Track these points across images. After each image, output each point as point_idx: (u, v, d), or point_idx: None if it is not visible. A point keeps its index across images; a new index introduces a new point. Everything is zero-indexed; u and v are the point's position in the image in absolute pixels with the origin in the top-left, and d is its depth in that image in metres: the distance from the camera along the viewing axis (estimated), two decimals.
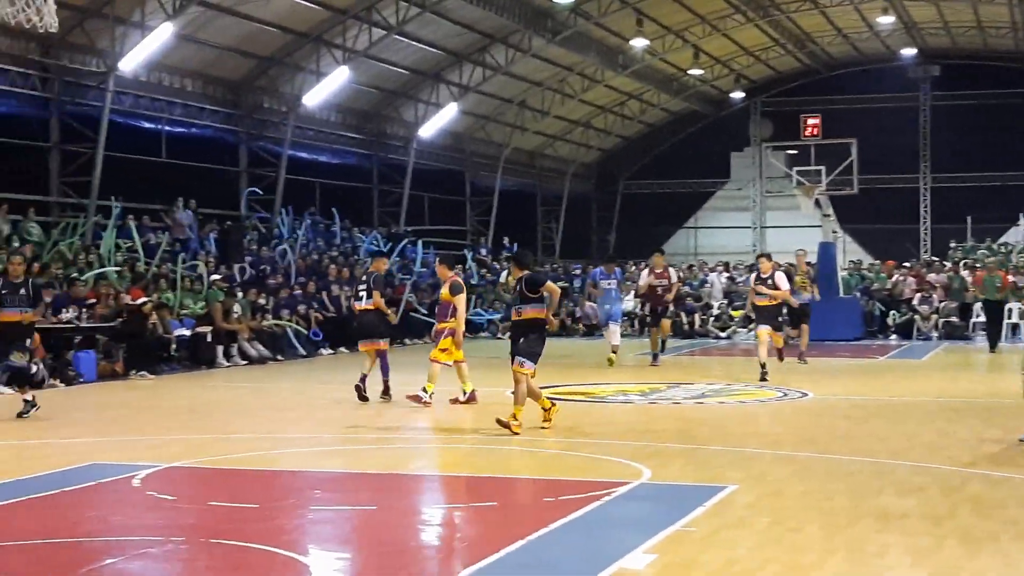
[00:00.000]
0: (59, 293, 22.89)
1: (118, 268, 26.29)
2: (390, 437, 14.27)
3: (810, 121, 44.71)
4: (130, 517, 9.64)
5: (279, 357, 26.69)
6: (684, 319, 36.07)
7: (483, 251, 43.41)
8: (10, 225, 26.31)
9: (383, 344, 17.65)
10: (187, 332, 25.13)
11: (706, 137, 53.64)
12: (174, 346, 24.50)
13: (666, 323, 24.92)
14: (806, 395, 18.62)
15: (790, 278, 23.66)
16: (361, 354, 18.02)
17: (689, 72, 46.82)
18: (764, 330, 20.78)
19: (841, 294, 33.65)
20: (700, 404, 17.53)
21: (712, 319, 36.23)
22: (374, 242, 37.18)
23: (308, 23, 33.46)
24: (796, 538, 8.57)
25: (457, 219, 46.19)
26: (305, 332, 28.16)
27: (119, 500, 10.44)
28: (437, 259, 17.70)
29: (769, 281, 21.01)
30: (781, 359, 22.27)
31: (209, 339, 25.08)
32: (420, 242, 38.85)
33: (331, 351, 28.77)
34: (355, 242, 36.95)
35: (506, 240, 44.49)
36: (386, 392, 17.62)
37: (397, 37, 35.41)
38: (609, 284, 24.67)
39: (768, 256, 21.98)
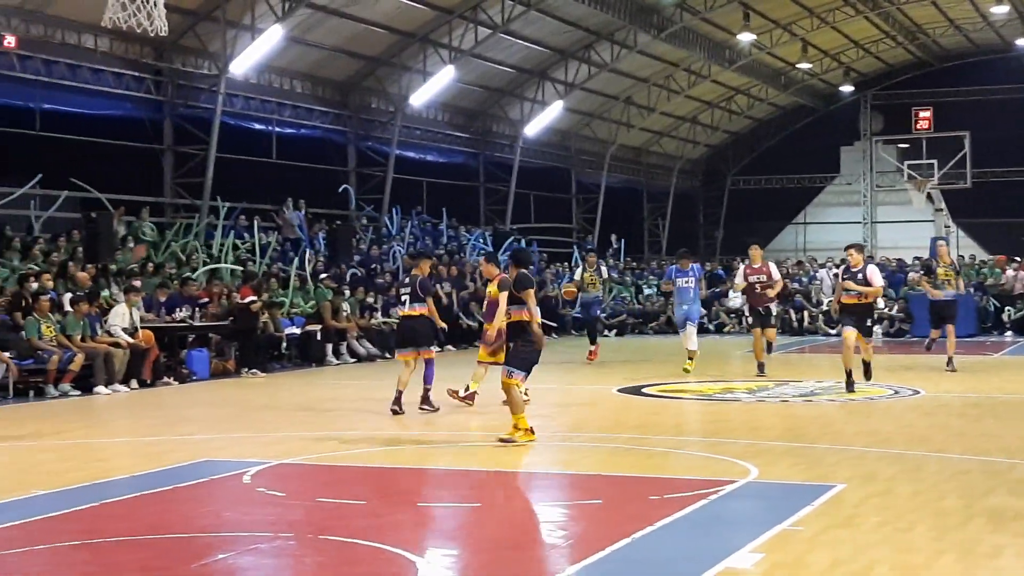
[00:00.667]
0: (173, 292, 23.33)
1: (234, 266, 26.76)
2: (496, 434, 14.31)
3: (922, 114, 44.03)
4: (241, 513, 9.80)
5: (387, 355, 26.93)
6: (793, 316, 35.69)
7: (589, 247, 43.32)
8: (125, 226, 26.88)
9: (429, 352, 16.17)
10: (297, 330, 25.46)
11: (815, 131, 52.94)
12: (285, 344, 24.84)
13: (771, 331, 21.68)
14: (918, 392, 18.31)
15: (930, 271, 22.50)
16: (399, 363, 16.34)
17: (797, 66, 46.25)
18: (850, 333, 18.04)
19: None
20: (809, 402, 17.32)
21: (821, 316, 35.76)
22: (480, 240, 37.34)
23: (414, 23, 33.69)
24: (906, 538, 8.43)
25: (563, 217, 46.19)
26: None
27: (230, 496, 10.61)
28: (483, 257, 16.07)
29: (860, 276, 18.10)
30: (869, 376, 18.76)
31: (319, 337, 25.40)
32: (524, 240, 38.91)
33: (438, 349, 28.90)
34: (460, 240, 37.13)
35: (613, 237, 44.39)
36: (425, 401, 16.13)
37: (502, 36, 35.50)
38: (686, 282, 22.35)
39: (859, 247, 18.90)
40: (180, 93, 29.75)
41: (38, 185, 25.98)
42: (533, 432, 13.07)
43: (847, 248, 18.64)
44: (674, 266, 22.86)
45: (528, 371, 13.08)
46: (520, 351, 12.99)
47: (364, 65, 34.76)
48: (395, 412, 15.69)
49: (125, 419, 16.85)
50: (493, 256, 15.58)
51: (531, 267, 15.68)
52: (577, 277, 25.32)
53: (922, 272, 25.00)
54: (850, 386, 17.85)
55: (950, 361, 21.90)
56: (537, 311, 13.23)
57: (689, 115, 49.51)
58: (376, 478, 11.44)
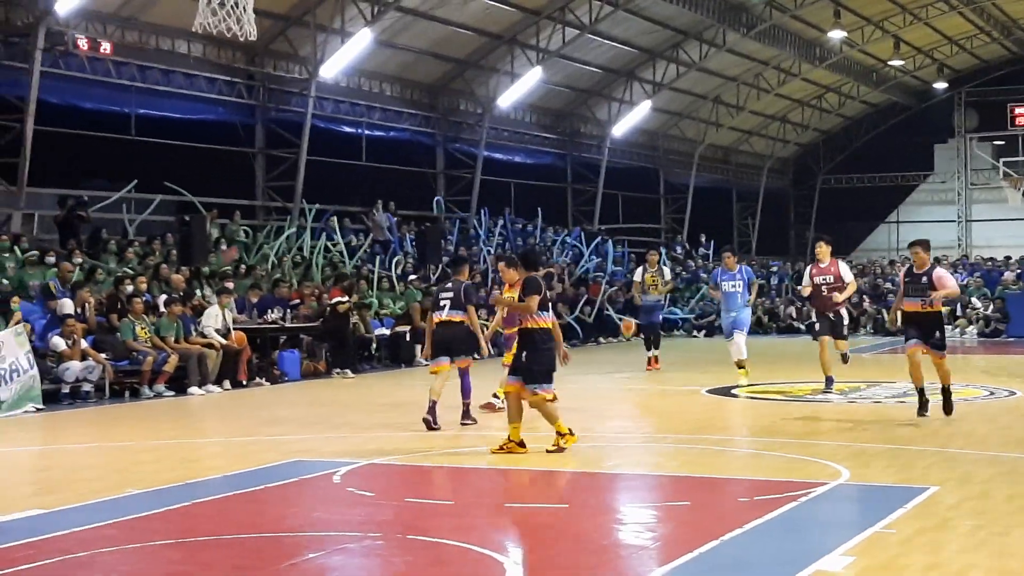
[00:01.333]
0: (265, 294, 23.58)
1: (326, 264, 27.03)
2: (583, 436, 14.27)
3: (1018, 111, 43.23)
4: (330, 512, 9.86)
5: (476, 356, 26.94)
6: (886, 316, 35.16)
7: (678, 249, 43.12)
8: (218, 229, 27.23)
9: (466, 361, 15.30)
10: (387, 331, 25.61)
11: (908, 129, 52.17)
12: (375, 345, 24.99)
13: (843, 342, 18.07)
14: (1014, 393, 17.95)
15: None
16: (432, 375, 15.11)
17: (889, 63, 45.62)
18: (914, 348, 14.58)
19: None
20: (902, 403, 17.06)
21: None
22: (577, 241, 37.31)
23: (502, 25, 33.75)
24: (1002, 542, 8.25)
25: (651, 217, 46.00)
26: (501, 331, 28.35)
27: (320, 496, 10.69)
28: (502, 261, 14.60)
29: (924, 279, 14.65)
30: (949, 410, 14.91)
31: (408, 338, 25.52)
32: (611, 241, 38.83)
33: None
34: (547, 241, 37.10)
35: (703, 237, 44.12)
36: (467, 416, 15.19)
37: (590, 36, 35.44)
38: (732, 286, 19.92)
39: (924, 245, 15.10)
40: (272, 97, 30.11)
41: (133, 189, 26.42)
42: (573, 432, 12.61)
43: (910, 246, 15.27)
44: (719, 268, 20.79)
45: (551, 381, 12.34)
46: (538, 360, 12.29)
47: (452, 67, 34.89)
48: (428, 425, 14.47)
49: (218, 420, 17.05)
50: (512, 259, 14.38)
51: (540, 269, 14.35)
52: (637, 278, 23.21)
53: None
54: (923, 407, 14.89)
55: None
56: (550, 316, 12.55)
57: (779, 114, 49.06)
58: (464, 478, 11.45)
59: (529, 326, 12.39)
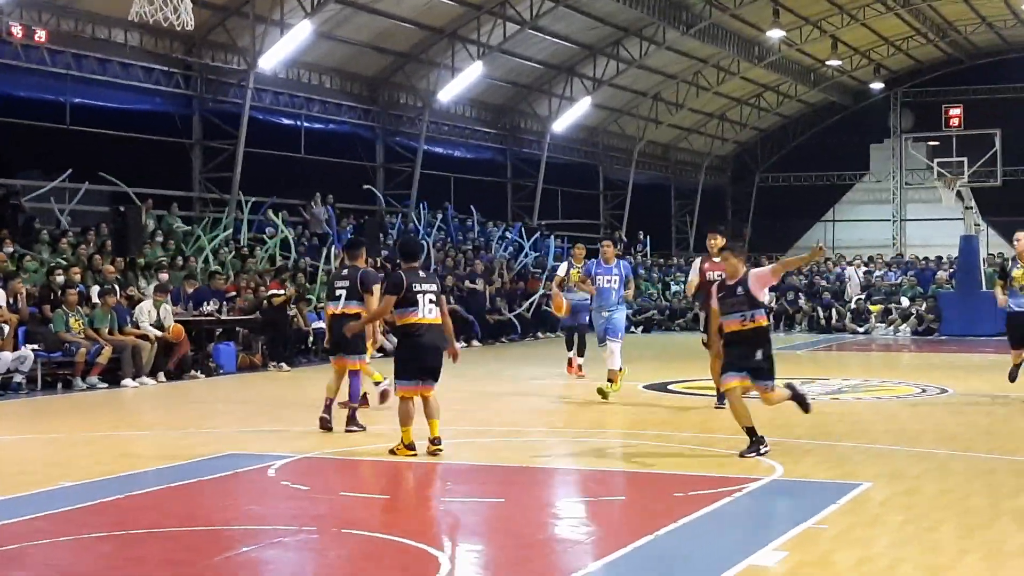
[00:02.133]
0: (201, 286, 23.41)
1: (264, 258, 26.87)
2: (521, 430, 14.31)
3: (952, 111, 43.71)
4: (265, 506, 9.83)
5: (378, 354, 26.92)
6: (821, 313, 35.58)
7: (618, 246, 43.24)
8: (155, 220, 26.99)
9: (359, 362, 14.06)
10: (324, 325, 25.47)
11: (844, 129, 52.72)
12: (312, 339, 24.88)
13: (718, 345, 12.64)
14: (946, 391, 18.20)
15: (1005, 273, 16.70)
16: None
17: (827, 63, 46.01)
18: (735, 382, 12.08)
19: (984, 288, 32.79)
20: (836, 400, 17.25)
21: (849, 314, 35.65)
22: (518, 236, 37.32)
23: (443, 19, 33.69)
24: (931, 537, 8.38)
25: (591, 213, 46.13)
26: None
27: (255, 490, 10.64)
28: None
29: (740, 291, 11.99)
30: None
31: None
32: (552, 236, 38.92)
33: (464, 344, 28.99)
34: (488, 236, 37.11)
35: (640, 234, 44.30)
36: (352, 421, 13.78)
37: (531, 31, 35.46)
38: (608, 281, 17.43)
39: (735, 249, 12.32)
40: (209, 88, 29.86)
41: (68, 179, 26.11)
42: (414, 449, 11.83)
43: (721, 251, 13.61)
44: (594, 260, 18.18)
45: (414, 379, 11.79)
46: (398, 357, 12.01)
47: (392, 61, 34.79)
48: (323, 424, 13.60)
49: (152, 412, 16.93)
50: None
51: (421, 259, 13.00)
52: (561, 273, 19.13)
53: (996, 274, 19.17)
54: (754, 446, 11.93)
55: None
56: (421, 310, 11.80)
57: (718, 112, 49.36)
58: (400, 473, 11.44)
59: (399, 322, 11.93)
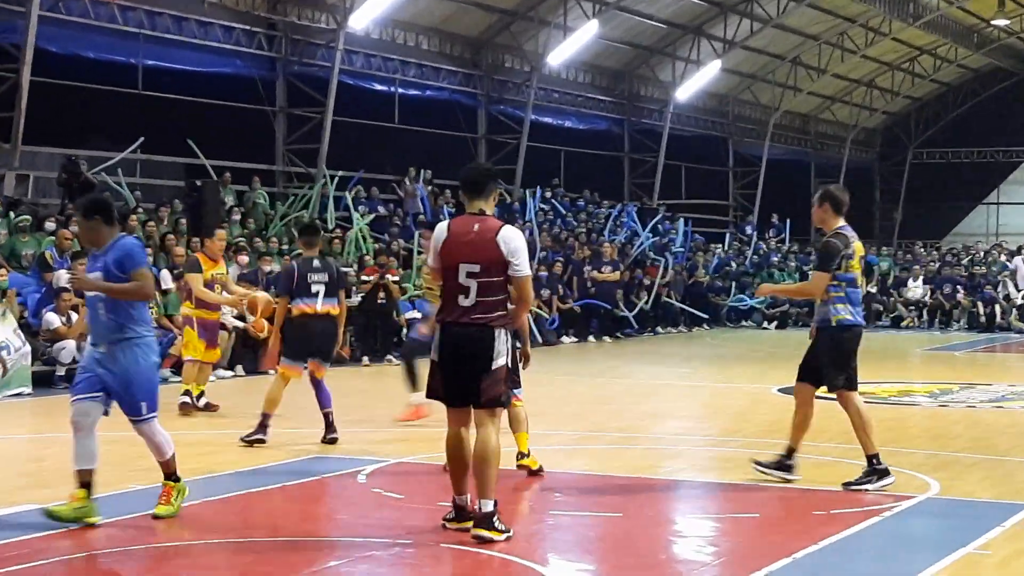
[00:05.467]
0: (280, 270, 23.63)
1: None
2: (640, 436, 14.30)
3: None
4: (355, 516, 9.94)
5: (517, 345, 26.99)
6: (982, 310, 35.01)
7: (748, 229, 42.99)
8: (234, 196, 27.33)
9: (324, 369, 13.71)
10: (418, 315, 25.61)
11: (1012, 98, 51.71)
12: (405, 330, 25.03)
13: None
14: None
15: None
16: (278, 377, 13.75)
17: (993, 22, 45.21)
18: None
19: None
20: (1000, 408, 16.98)
21: (1014, 310, 35.03)
22: (632, 219, 37.15)
23: None
24: None
25: (718, 192, 45.88)
26: (547, 317, 28.45)
27: (343, 497, 10.77)
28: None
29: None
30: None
31: None
32: (681, 220, 38.75)
33: (574, 339, 29.04)
34: (599, 217, 37.04)
35: (775, 217, 43.94)
36: (331, 429, 13.48)
37: None
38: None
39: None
40: (295, 49, 30.18)
41: (139, 149, 26.52)
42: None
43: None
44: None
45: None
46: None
47: (498, 19, 34.88)
48: (253, 442, 13.14)
49: (229, 409, 17.17)
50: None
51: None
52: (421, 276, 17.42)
53: None
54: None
55: None
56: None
57: (866, 78, 48.75)
58: (505, 482, 11.48)
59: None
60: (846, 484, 10.89)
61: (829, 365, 11.03)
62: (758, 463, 11.26)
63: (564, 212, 36.13)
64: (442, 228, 9.00)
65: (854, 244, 10.93)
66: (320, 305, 13.51)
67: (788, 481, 11.05)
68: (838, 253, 10.79)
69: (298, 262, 13.82)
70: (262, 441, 13.12)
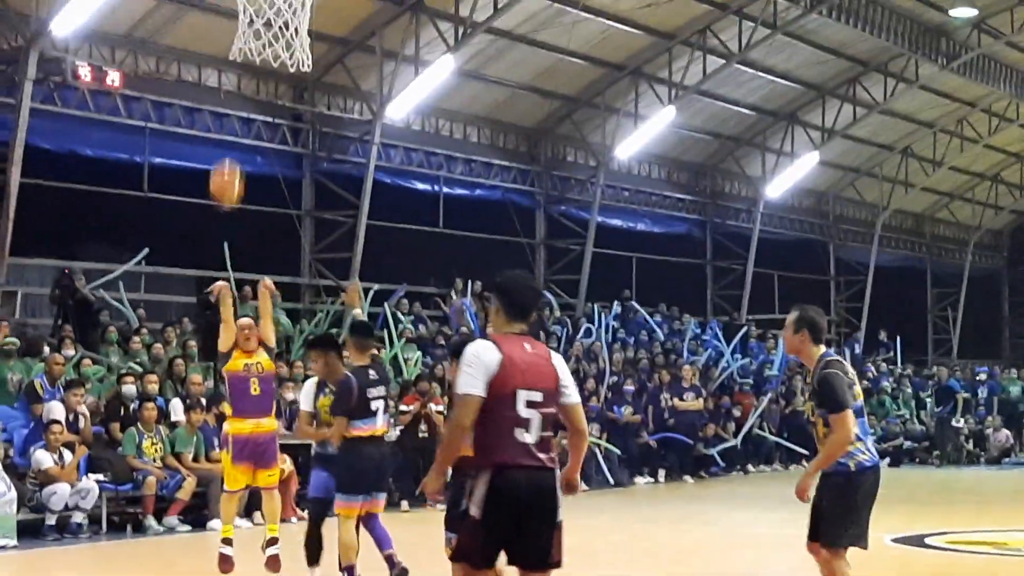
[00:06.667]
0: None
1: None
2: None
3: None
4: None
5: (586, 487, 26.86)
6: None
7: (856, 347, 42.73)
8: (254, 312, 27.36)
9: (382, 504, 13.53)
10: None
11: None
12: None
13: None
14: None
15: None
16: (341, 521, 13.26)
17: None
18: None
19: None
20: None
21: None
22: (716, 336, 36.93)
23: (624, 52, 33.99)
24: None
25: (818, 304, 45.51)
26: (618, 452, 28.28)
27: None
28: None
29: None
30: None
31: None
32: (781, 339, 38.48)
33: (649, 479, 28.86)
34: (683, 335, 36.94)
35: (882, 334, 43.64)
36: (395, 566, 13.38)
37: (739, 67, 35.55)
38: None
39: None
40: (324, 143, 30.46)
41: (144, 260, 26.58)
42: None
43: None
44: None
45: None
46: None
47: (558, 106, 35.16)
48: None
49: (246, 566, 17.08)
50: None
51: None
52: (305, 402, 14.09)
53: None
54: None
55: None
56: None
57: (990, 171, 48.69)
58: None
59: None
60: None
61: (839, 516, 10.76)
62: None
63: (637, 330, 36.06)
64: (489, 347, 8.47)
65: (850, 370, 10.78)
66: (379, 424, 13.10)
67: None
68: (844, 384, 10.53)
69: (355, 373, 13.05)
70: None
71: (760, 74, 36.84)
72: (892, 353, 42.95)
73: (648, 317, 36.74)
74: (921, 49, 36.92)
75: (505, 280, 8.91)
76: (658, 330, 36.41)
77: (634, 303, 37.31)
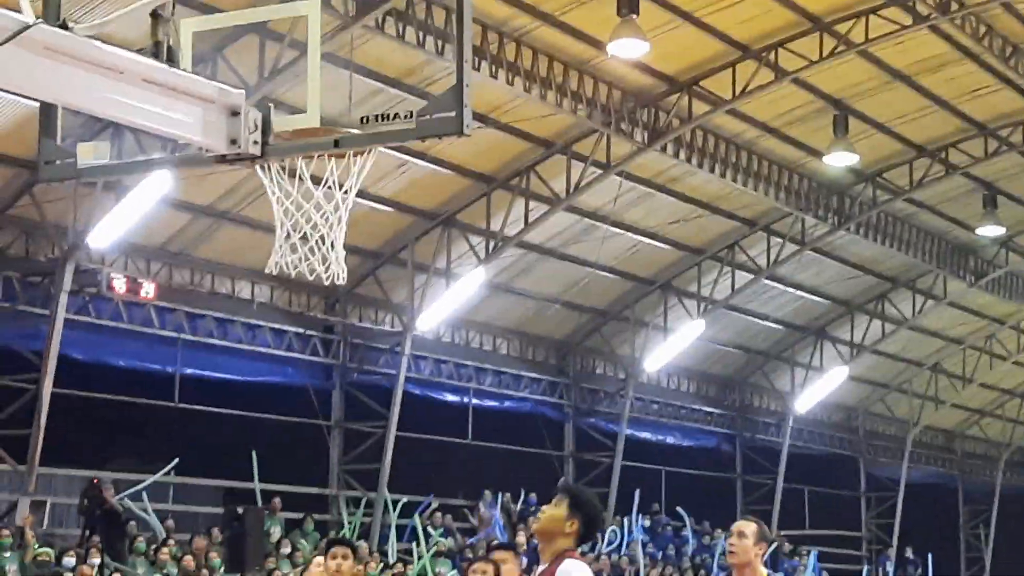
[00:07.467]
0: None
1: None
2: None
3: None
4: None
5: None
6: None
7: (888, 565, 42.28)
8: (282, 526, 27.22)
9: None
10: None
11: None
12: None
13: None
14: None
15: None
16: None
17: None
18: None
19: None
20: None
21: None
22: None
23: (653, 267, 34.26)
24: None
25: (849, 521, 45.31)
26: None
27: None
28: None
29: None
30: None
31: None
32: (813, 553, 38.19)
33: None
34: (713, 550, 36.68)
35: (909, 551, 43.20)
36: None
37: (768, 282, 35.74)
38: None
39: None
40: (354, 355, 30.62)
41: (173, 471, 26.57)
42: None
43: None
44: None
45: None
46: None
47: (587, 320, 35.33)
48: None
49: None
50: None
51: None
52: None
53: None
54: None
55: None
56: None
57: (1019, 388, 48.55)
58: None
59: None
60: None
61: None
62: None
63: (666, 544, 35.80)
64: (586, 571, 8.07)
65: None
66: None
67: None
68: None
69: None
70: None
71: (788, 289, 37.06)
72: (921, 570, 42.48)
73: (677, 531, 36.51)
74: (949, 266, 37.18)
75: (590, 500, 8.50)
76: (688, 543, 36.13)
77: (662, 516, 37.14)
